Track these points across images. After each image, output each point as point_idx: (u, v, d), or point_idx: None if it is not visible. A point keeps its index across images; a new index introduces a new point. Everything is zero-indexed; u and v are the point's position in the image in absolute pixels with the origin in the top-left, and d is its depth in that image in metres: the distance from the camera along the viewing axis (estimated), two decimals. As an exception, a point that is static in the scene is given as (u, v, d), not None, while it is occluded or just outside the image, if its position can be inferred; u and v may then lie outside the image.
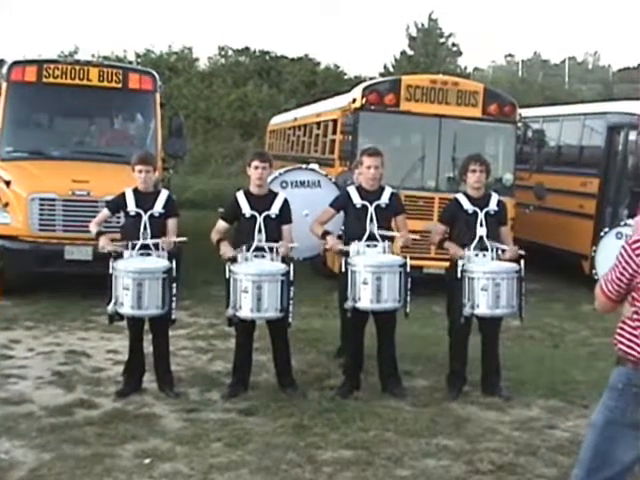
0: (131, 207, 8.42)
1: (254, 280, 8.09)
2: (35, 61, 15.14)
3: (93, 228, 8.64)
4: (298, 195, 9.52)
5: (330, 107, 18.03)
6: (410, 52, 52.04)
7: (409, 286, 8.41)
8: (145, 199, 8.47)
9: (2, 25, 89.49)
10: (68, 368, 9.13)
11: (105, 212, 8.81)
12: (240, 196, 8.62)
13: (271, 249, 8.40)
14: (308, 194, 9.74)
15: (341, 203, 8.83)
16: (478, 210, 8.75)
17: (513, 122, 15.27)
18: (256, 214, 8.44)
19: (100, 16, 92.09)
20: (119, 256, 8.31)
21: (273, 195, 8.68)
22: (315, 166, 10.34)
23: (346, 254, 8.54)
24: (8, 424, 7.41)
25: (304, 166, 10.28)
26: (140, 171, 8.46)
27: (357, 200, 8.65)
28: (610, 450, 4.98)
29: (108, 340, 10.50)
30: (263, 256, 8.41)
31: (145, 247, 8.28)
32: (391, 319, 8.71)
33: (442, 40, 52.68)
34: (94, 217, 12.22)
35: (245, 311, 8.15)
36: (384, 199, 8.69)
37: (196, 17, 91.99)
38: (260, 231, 8.39)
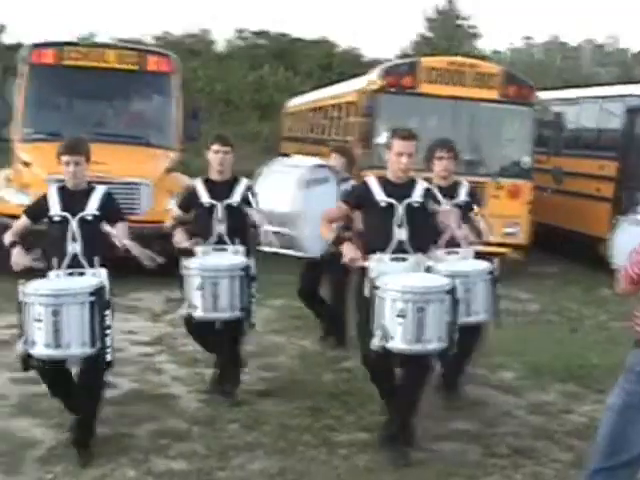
0: (55, 210, 6.63)
1: (208, 276, 7.30)
2: (54, 44, 15.14)
3: (7, 239, 6.74)
4: (314, 194, 8.90)
5: (348, 89, 18.04)
6: (428, 34, 51.89)
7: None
8: (74, 199, 6.69)
9: (21, 9, 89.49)
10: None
11: (23, 220, 6.86)
12: (198, 184, 7.86)
13: (233, 241, 7.61)
14: (322, 192, 9.05)
15: (357, 198, 6.96)
16: (445, 201, 7.39)
17: (531, 105, 15.23)
18: (216, 202, 7.68)
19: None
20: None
21: (235, 181, 7.85)
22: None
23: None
24: (28, 403, 7.47)
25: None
26: (67, 163, 6.57)
27: (381, 196, 6.73)
28: (628, 434, 4.99)
29: (126, 321, 10.53)
30: (224, 249, 7.62)
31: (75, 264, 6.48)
32: (427, 366, 6.58)
33: (460, 22, 52.47)
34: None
35: (200, 311, 7.35)
36: (416, 195, 6.74)
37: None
38: (220, 221, 7.66)
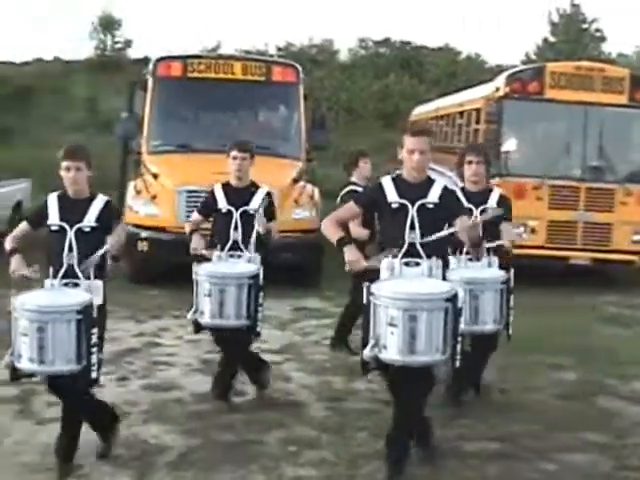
0: (53, 219, 6.30)
1: (216, 283, 7.27)
2: (180, 57, 15.44)
3: (7, 245, 6.41)
4: None
5: (473, 96, 17.90)
6: (552, 39, 51.10)
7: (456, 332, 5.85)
8: (74, 208, 6.34)
9: (147, 24, 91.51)
10: (214, 356, 9.24)
11: (23, 226, 6.53)
12: (217, 189, 7.87)
13: (248, 248, 7.57)
14: None
15: (369, 199, 6.55)
16: (473, 208, 7.45)
17: (660, 109, 14.83)
18: (232, 209, 7.67)
19: (240, 11, 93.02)
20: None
21: (255, 188, 7.86)
22: None
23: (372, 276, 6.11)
24: (158, 410, 7.59)
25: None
26: (68, 168, 6.33)
27: (393, 197, 6.24)
28: None
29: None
30: (239, 256, 7.59)
31: (71, 274, 6.13)
32: (426, 377, 6.10)
33: (585, 26, 51.47)
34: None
35: (206, 317, 7.36)
36: (432, 196, 6.20)
37: (336, 9, 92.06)
38: (236, 228, 7.61)
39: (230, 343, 7.69)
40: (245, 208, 7.66)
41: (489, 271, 7.40)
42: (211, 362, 8.99)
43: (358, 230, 8.46)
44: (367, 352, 5.70)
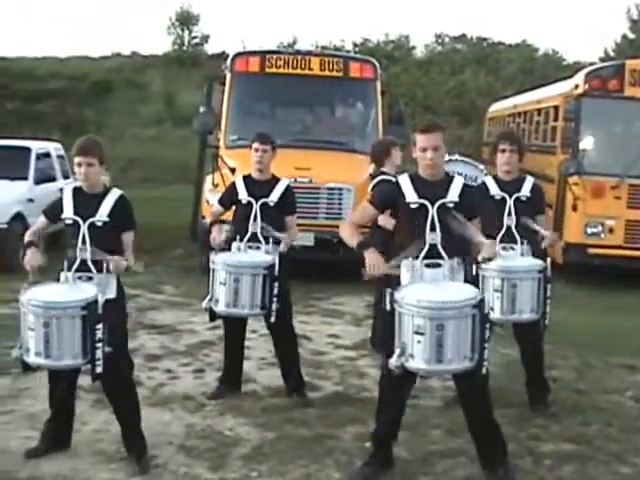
0: (68, 213, 6.31)
1: (231, 272, 7.26)
2: (258, 52, 15.54)
3: (26, 237, 6.45)
4: None
5: (551, 93, 17.71)
6: (631, 35, 50.36)
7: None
8: (87, 202, 6.35)
9: (224, 19, 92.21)
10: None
11: (42, 220, 6.57)
12: (239, 181, 7.94)
13: (267, 240, 7.54)
14: None
15: (386, 200, 6.28)
16: (507, 196, 7.52)
17: None
18: (252, 201, 7.66)
19: (317, 6, 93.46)
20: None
21: (275, 181, 7.88)
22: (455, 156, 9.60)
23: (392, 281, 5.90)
24: (233, 402, 7.66)
25: (458, 157, 9.59)
26: (79, 164, 6.26)
27: (412, 197, 6.00)
28: None
29: (329, 324, 10.68)
30: (258, 247, 7.57)
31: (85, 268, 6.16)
32: (478, 380, 5.81)
33: (665, 22, 50.71)
34: (316, 204, 12.41)
35: (221, 305, 7.36)
36: (452, 195, 6.01)
37: (412, 5, 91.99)
38: (256, 219, 7.59)
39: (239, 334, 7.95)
40: (265, 200, 7.66)
41: (526, 260, 7.31)
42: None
43: (386, 218, 8.47)
44: (393, 361, 5.49)
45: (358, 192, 12.66)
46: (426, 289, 5.64)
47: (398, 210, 6.09)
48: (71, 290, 5.99)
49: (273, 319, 7.39)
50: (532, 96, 20.38)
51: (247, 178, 7.90)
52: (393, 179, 8.41)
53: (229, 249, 7.61)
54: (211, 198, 13.33)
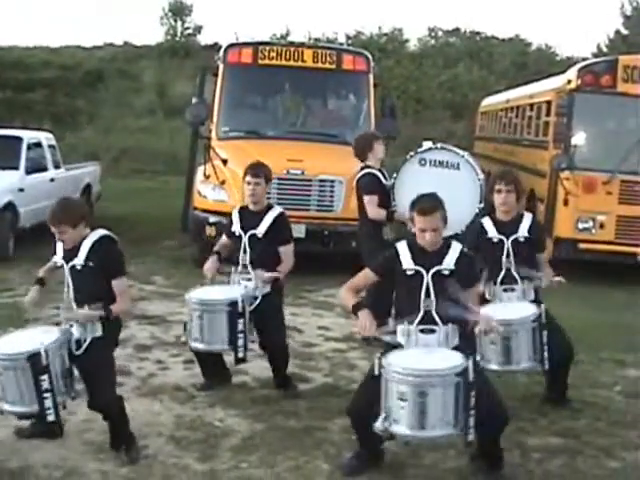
0: (57, 257, 6.43)
1: (195, 308, 7.35)
2: (250, 43, 15.51)
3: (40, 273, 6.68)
4: (436, 174, 9.04)
5: (544, 88, 17.74)
6: (625, 31, 50.42)
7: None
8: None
9: (217, 10, 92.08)
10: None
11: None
12: (234, 212, 7.93)
13: (255, 270, 7.56)
14: (446, 175, 9.08)
15: (385, 266, 6.26)
16: (504, 238, 7.39)
17: None
18: (242, 233, 7.68)
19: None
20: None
21: (267, 211, 7.77)
22: (428, 144, 9.63)
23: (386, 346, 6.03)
24: (223, 394, 7.68)
25: (440, 145, 9.59)
26: (56, 233, 6.22)
27: (408, 263, 6.05)
28: None
29: (319, 316, 10.69)
30: (249, 279, 7.58)
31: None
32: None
33: (658, 18, 50.74)
34: (308, 196, 12.43)
35: (191, 340, 7.45)
36: (448, 262, 6.02)
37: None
38: (245, 251, 7.62)
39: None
40: (253, 232, 7.63)
41: (519, 309, 7.17)
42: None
43: (376, 210, 8.45)
44: (379, 425, 5.51)
45: (349, 184, 12.67)
46: (413, 356, 5.69)
47: (395, 276, 6.10)
48: (28, 340, 6.00)
49: (241, 354, 7.33)
50: (525, 91, 20.39)
51: (243, 209, 7.89)
52: (377, 172, 8.46)
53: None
54: (203, 189, 13.36)
